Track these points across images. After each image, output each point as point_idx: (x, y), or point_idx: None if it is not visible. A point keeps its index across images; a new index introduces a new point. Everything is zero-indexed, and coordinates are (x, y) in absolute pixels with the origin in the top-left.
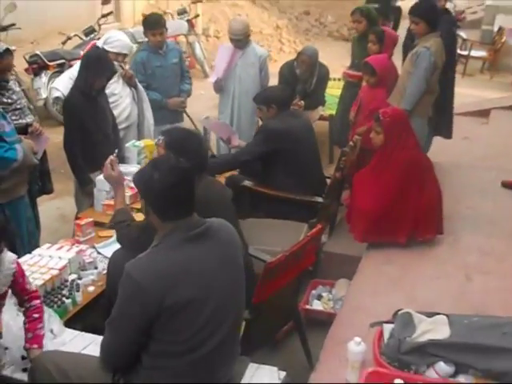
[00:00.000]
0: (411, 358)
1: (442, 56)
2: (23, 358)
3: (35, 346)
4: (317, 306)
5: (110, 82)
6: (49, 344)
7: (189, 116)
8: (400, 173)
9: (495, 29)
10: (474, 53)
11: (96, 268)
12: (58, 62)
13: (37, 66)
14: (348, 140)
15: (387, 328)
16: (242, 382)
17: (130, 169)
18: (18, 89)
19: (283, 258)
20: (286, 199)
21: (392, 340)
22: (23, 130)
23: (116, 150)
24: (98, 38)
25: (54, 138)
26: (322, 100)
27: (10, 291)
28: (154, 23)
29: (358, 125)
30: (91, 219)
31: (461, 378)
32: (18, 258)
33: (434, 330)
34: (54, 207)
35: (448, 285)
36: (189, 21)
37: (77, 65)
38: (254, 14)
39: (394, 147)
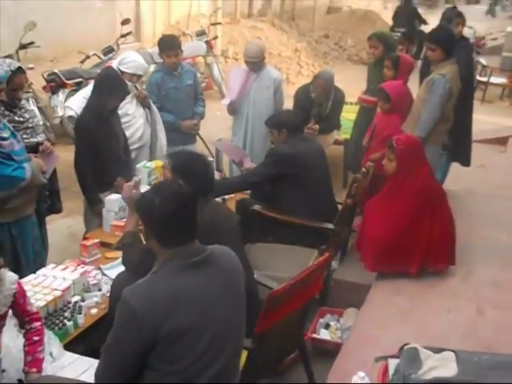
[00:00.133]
0: None
1: (457, 83)
2: (20, 381)
3: (34, 369)
4: (324, 335)
5: (124, 102)
6: (48, 367)
7: (202, 138)
8: (412, 201)
9: None
10: (493, 79)
11: (100, 290)
12: (76, 80)
13: (55, 84)
14: (361, 166)
15: (392, 363)
16: None
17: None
18: (30, 107)
19: (288, 286)
20: (295, 224)
21: (397, 376)
22: (34, 148)
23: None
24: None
25: (68, 155)
26: (338, 124)
27: (10, 311)
28: (169, 45)
29: (372, 151)
30: (97, 240)
31: None
32: (23, 277)
33: (440, 366)
34: (64, 225)
35: (459, 318)
36: (207, 42)
37: (91, 84)
38: (273, 36)
39: (406, 175)
